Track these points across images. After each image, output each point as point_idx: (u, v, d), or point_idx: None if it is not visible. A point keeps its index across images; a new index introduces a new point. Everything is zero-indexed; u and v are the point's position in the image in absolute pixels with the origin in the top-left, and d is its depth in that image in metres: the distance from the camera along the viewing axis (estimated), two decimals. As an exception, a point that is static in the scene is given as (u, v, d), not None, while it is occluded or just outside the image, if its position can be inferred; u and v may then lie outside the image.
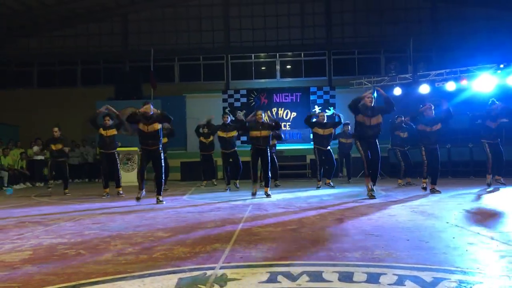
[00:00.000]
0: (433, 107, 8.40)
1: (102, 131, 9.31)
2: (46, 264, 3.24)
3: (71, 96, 19.45)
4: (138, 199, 7.75)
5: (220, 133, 10.49)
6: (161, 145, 7.76)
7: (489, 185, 8.88)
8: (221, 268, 3.00)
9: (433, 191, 8.11)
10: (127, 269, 3.02)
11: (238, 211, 6.21)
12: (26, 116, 19.00)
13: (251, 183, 8.73)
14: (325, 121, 10.28)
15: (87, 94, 19.02)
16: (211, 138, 11.34)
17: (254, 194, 8.44)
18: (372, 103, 7.69)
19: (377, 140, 7.71)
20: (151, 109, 7.58)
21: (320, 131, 10.19)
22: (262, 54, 20.05)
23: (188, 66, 20.16)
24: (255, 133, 8.54)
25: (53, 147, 10.15)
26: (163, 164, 7.77)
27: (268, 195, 8.29)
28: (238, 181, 10.78)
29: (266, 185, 8.51)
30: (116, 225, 5.13)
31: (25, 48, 20.15)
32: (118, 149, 11.83)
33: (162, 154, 7.78)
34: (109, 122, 9.34)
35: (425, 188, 8.51)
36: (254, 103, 18.11)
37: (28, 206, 7.70)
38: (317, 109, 17.40)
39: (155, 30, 20.00)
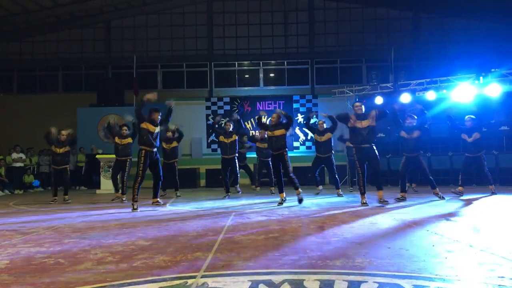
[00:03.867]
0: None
1: (117, 140, 9.96)
2: (23, 274, 3.18)
3: (52, 102, 19.23)
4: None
5: (221, 138, 10.50)
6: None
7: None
8: (203, 276, 2.98)
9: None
10: (107, 278, 2.98)
11: (220, 219, 6.18)
12: (6, 122, 18.73)
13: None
14: (324, 127, 10.41)
15: (68, 100, 18.85)
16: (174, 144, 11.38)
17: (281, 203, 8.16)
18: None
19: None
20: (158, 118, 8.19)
21: (318, 138, 10.40)
22: (246, 62, 20.13)
23: (171, 73, 20.14)
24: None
25: (58, 150, 9.71)
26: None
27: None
28: (238, 185, 11.27)
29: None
30: (96, 233, 5.06)
31: (5, 53, 19.87)
32: (98, 156, 12.00)
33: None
34: (126, 132, 9.90)
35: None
36: (237, 110, 18.14)
37: (6, 214, 7.54)
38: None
39: (138, 37, 19.94)
